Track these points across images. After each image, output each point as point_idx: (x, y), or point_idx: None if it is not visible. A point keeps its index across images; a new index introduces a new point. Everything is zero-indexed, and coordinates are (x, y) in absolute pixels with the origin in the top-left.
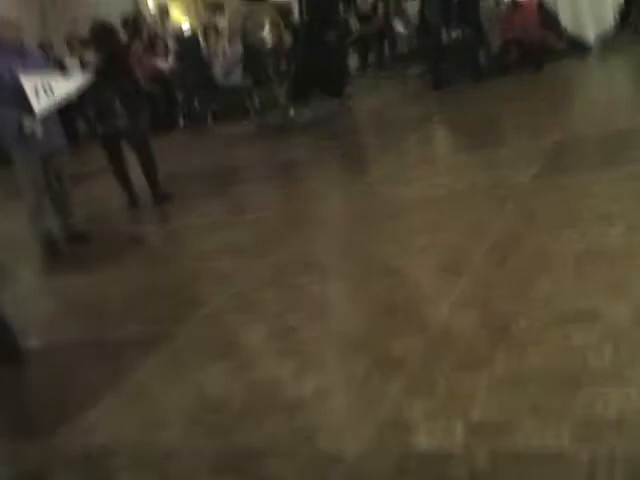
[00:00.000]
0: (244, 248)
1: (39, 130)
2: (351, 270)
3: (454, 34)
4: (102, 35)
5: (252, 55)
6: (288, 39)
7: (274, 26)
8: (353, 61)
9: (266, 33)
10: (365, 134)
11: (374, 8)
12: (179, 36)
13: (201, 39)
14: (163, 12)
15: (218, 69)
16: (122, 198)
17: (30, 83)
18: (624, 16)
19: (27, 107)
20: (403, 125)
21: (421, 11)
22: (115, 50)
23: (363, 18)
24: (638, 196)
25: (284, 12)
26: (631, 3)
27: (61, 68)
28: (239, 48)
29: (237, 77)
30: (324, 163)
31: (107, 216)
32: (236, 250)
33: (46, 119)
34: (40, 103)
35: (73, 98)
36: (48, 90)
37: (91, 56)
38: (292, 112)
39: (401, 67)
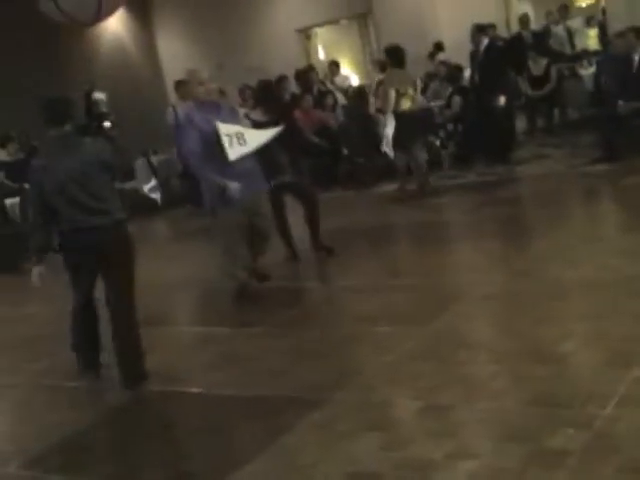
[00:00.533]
0: (401, 315)
1: (240, 191)
2: (510, 352)
3: (632, 105)
4: (266, 96)
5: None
6: (457, 101)
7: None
8: (521, 125)
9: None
10: (529, 204)
11: (546, 72)
12: (347, 91)
13: (370, 96)
14: (333, 66)
15: (383, 127)
16: (282, 252)
17: (225, 131)
18: None
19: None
20: (571, 198)
21: (597, 77)
22: (280, 110)
23: (534, 81)
24: None
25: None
26: None
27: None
28: None
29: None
30: (484, 231)
31: (268, 270)
32: (393, 316)
33: (248, 169)
34: (234, 151)
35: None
36: (242, 140)
37: (258, 115)
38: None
39: (571, 135)
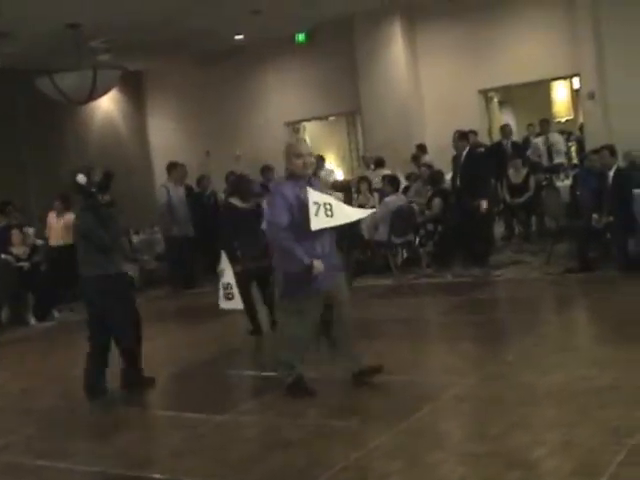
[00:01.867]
0: (374, 411)
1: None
2: (481, 455)
3: (605, 219)
4: (240, 186)
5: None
6: (438, 203)
7: None
8: (499, 230)
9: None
10: (504, 308)
11: (526, 181)
12: (331, 184)
13: (353, 190)
14: (319, 159)
15: (366, 222)
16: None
17: (316, 198)
18: None
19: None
20: (545, 305)
21: (573, 190)
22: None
23: (513, 189)
24: None
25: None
26: None
27: None
28: (388, 203)
29: (384, 233)
30: (459, 333)
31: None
32: (365, 412)
33: (328, 251)
34: (318, 221)
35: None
36: (329, 211)
37: (237, 201)
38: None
39: (547, 243)
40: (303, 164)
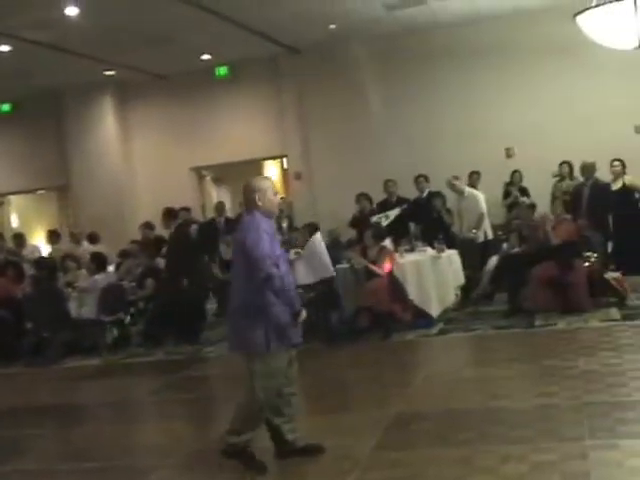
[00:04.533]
0: None
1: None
2: None
3: (308, 293)
4: None
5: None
6: (150, 283)
7: None
8: (212, 307)
9: None
10: (214, 385)
11: None
12: (36, 261)
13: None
14: (18, 238)
15: (72, 300)
16: None
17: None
18: (466, 293)
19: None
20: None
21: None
22: None
23: (226, 265)
24: None
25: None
26: (472, 281)
27: None
28: (97, 281)
29: (91, 310)
30: (168, 412)
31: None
32: None
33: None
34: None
35: None
36: None
37: None
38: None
39: None
40: (279, 202)
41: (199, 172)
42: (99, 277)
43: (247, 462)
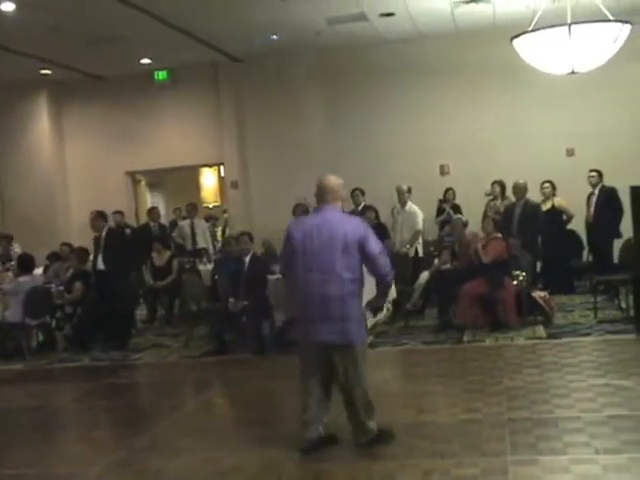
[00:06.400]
0: None
1: None
2: None
3: (240, 304)
4: None
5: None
6: (78, 287)
7: None
8: (142, 313)
9: None
10: (141, 393)
11: (169, 264)
12: None
13: None
14: None
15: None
16: None
17: None
18: (397, 307)
19: None
20: (181, 388)
21: (213, 274)
22: None
23: (157, 272)
24: None
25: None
26: (403, 296)
27: None
28: (21, 283)
29: (16, 313)
30: (91, 419)
31: None
32: None
33: None
34: None
35: None
36: None
37: None
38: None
39: (188, 326)
40: None
41: (134, 176)
42: (23, 279)
43: (387, 438)
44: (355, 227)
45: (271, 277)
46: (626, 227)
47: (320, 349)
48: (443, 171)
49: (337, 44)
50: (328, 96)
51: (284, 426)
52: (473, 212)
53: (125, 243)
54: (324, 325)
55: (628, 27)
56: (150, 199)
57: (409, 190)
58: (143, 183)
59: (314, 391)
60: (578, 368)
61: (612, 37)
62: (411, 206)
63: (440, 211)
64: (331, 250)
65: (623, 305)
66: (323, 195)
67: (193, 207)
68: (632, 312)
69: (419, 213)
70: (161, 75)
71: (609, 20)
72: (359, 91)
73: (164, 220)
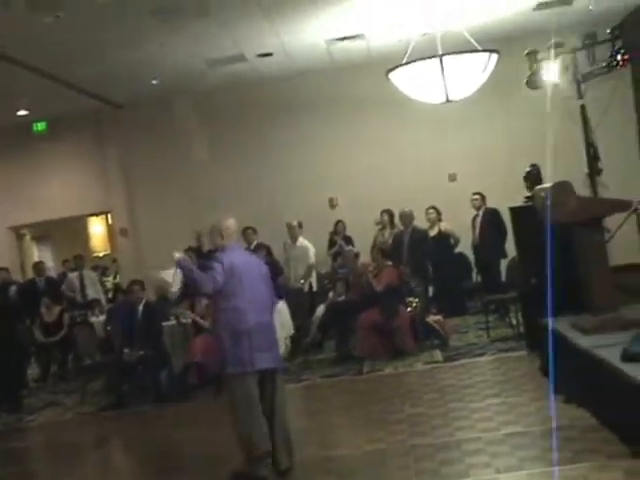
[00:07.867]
0: None
1: None
2: None
3: (136, 354)
4: None
5: None
6: None
7: None
8: (34, 372)
9: None
10: (35, 457)
11: (60, 318)
12: None
13: None
14: None
15: None
16: None
17: None
18: (296, 343)
19: None
20: (81, 447)
21: (106, 325)
22: None
23: (47, 328)
24: None
25: None
26: (301, 330)
27: None
28: None
29: None
30: None
31: None
32: None
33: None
34: None
35: None
36: None
37: None
38: None
39: (83, 381)
40: None
41: (18, 231)
42: None
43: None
44: (260, 262)
45: (166, 323)
46: (510, 246)
47: (258, 377)
48: (332, 203)
49: (219, 85)
50: (213, 137)
51: (190, 476)
52: (365, 242)
53: (9, 301)
54: (268, 353)
55: (495, 56)
56: (37, 253)
57: (300, 225)
58: (28, 237)
59: (261, 423)
60: (475, 389)
61: (481, 66)
62: (302, 241)
63: (332, 243)
64: (260, 281)
65: (514, 322)
66: (231, 235)
67: (80, 258)
68: (522, 329)
69: (310, 247)
70: (40, 126)
71: (477, 50)
72: (244, 130)
73: (53, 273)
